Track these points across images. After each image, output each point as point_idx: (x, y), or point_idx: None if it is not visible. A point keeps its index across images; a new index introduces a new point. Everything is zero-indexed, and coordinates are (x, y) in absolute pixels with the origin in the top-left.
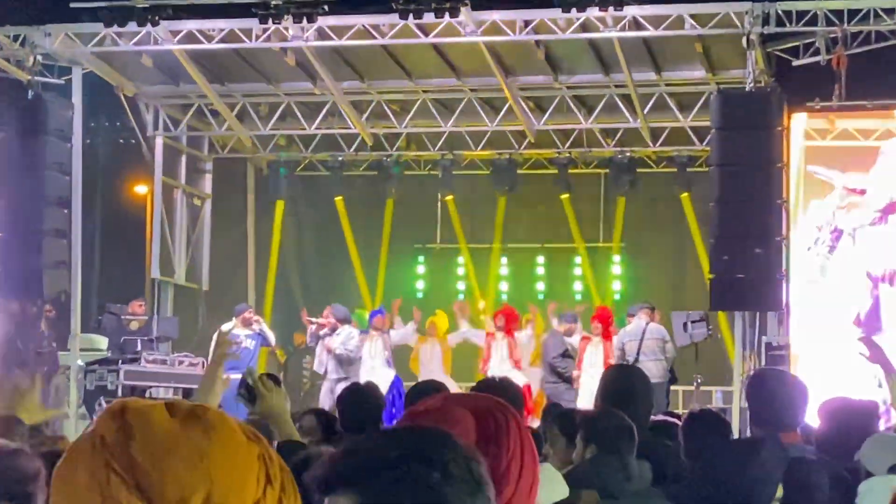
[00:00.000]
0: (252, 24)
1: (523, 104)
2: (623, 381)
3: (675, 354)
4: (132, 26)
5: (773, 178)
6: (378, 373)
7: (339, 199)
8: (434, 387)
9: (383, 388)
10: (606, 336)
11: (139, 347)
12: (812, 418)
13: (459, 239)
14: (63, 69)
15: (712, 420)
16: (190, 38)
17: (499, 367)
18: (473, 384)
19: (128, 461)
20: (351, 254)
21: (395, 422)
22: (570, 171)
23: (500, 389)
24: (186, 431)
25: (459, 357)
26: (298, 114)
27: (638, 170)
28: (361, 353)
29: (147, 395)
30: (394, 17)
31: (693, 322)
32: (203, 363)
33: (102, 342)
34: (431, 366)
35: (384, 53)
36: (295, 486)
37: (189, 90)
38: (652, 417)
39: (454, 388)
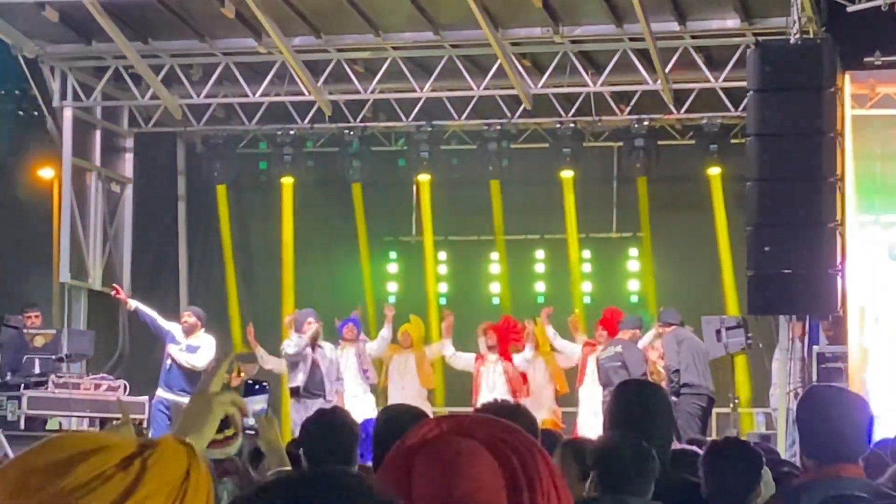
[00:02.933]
0: None
1: (517, 63)
2: (637, 402)
3: None
4: None
5: (825, 150)
6: (352, 398)
7: (287, 181)
8: (412, 412)
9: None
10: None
11: (36, 369)
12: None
13: (438, 230)
14: None
15: (739, 451)
16: None
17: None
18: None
19: None
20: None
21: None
22: (575, 144)
23: (509, 417)
24: None
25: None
26: (239, 77)
27: (659, 142)
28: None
29: (58, 426)
30: None
31: (728, 329)
32: (125, 386)
33: None
34: (404, 382)
35: (344, 1)
36: None
37: (104, 50)
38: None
39: (429, 413)
